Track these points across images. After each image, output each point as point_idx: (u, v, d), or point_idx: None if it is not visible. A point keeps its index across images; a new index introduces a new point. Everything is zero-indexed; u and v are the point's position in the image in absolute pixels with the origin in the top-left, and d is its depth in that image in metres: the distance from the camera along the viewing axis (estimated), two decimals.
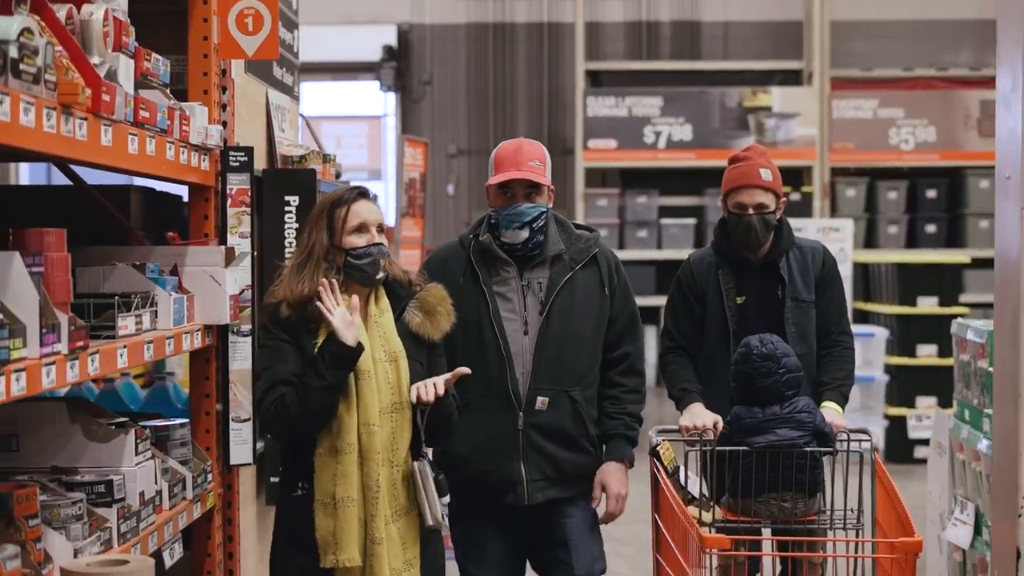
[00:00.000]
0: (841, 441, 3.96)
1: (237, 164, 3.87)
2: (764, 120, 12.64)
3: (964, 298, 10.84)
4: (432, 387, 3.42)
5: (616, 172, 13.15)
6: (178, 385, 4.77)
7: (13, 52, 2.47)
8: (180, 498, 3.54)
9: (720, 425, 4.08)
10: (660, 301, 3.73)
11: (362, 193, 3.53)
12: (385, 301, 3.54)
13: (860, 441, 3.99)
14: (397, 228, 8.95)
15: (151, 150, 3.26)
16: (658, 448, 4.04)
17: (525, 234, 3.87)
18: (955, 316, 6.86)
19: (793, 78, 13.16)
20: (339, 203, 3.47)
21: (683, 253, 12.34)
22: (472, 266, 3.91)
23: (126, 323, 3.20)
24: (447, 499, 3.72)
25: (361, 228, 3.46)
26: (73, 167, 3.85)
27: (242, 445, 3.95)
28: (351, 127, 14.88)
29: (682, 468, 4.08)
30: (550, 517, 3.92)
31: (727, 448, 3.91)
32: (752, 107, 12.70)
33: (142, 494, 3.22)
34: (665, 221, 12.76)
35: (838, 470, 3.92)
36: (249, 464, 4.00)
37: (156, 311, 3.43)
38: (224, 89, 3.95)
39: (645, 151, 12.71)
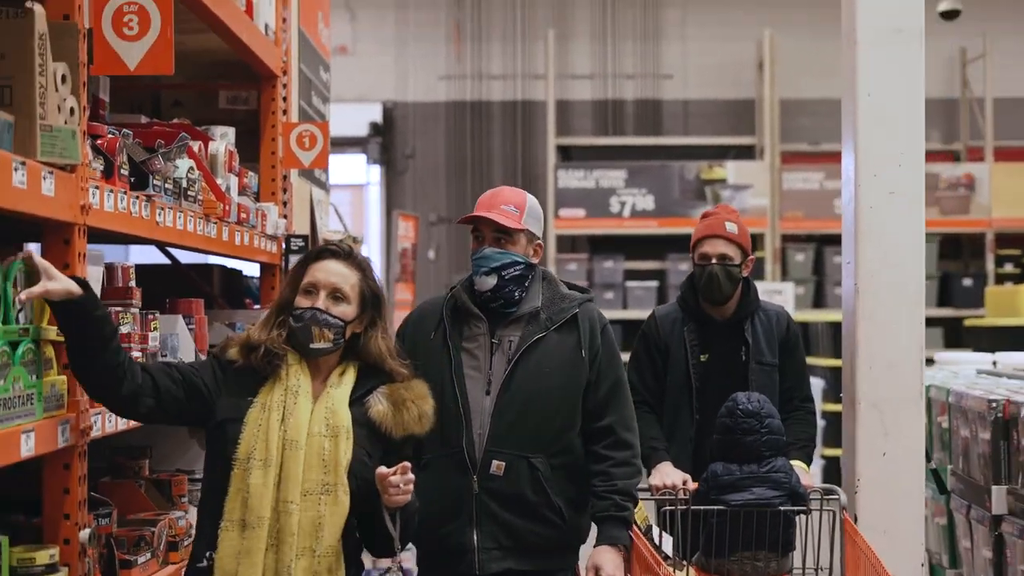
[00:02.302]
0: (814, 500, 3.99)
1: (296, 248, 5.26)
2: (720, 191, 14.11)
3: None
4: (400, 487, 3.14)
5: (585, 239, 14.59)
6: None
7: (184, 184, 3.86)
8: None
9: (690, 483, 4.13)
10: (625, 358, 4.67)
11: (331, 252, 3.34)
12: (351, 377, 3.30)
13: (830, 499, 4.02)
14: (391, 293, 10.34)
15: (246, 241, 4.64)
16: None
17: (493, 281, 3.71)
18: None
19: (746, 152, 14.67)
20: (305, 259, 3.36)
21: (648, 312, 13.76)
22: (443, 321, 3.78)
23: None
24: None
25: (309, 288, 3.27)
26: (170, 250, 5.22)
27: None
28: (337, 195, 16.27)
29: (654, 527, 4.10)
30: None
31: (704, 507, 3.89)
32: (709, 179, 14.17)
33: None
34: (630, 284, 14.17)
35: (809, 528, 3.99)
36: None
37: None
38: (285, 190, 5.35)
39: (611, 219, 14.15)
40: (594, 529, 3.84)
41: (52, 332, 2.89)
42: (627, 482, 3.78)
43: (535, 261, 3.81)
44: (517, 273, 3.74)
